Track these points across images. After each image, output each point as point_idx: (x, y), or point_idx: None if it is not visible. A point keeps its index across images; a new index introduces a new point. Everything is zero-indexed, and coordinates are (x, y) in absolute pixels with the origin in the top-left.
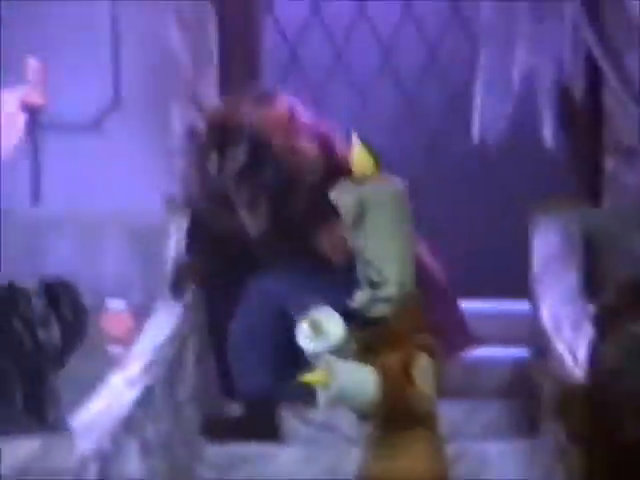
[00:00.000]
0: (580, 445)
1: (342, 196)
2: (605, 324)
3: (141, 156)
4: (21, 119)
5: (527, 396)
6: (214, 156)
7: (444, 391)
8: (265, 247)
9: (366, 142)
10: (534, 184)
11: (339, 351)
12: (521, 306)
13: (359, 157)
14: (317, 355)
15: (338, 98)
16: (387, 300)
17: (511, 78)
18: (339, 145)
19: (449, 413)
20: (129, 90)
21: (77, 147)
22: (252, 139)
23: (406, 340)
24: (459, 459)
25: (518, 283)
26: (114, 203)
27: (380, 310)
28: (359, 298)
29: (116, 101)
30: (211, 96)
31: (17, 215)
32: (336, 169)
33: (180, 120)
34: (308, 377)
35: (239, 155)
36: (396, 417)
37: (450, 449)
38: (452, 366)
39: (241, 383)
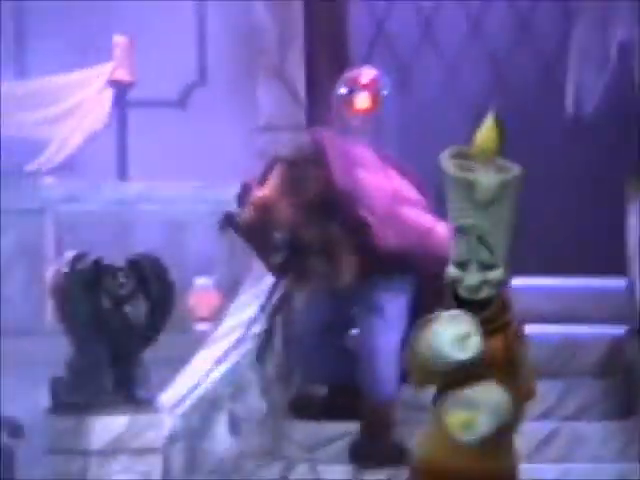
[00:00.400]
0: None
1: (482, 174)
2: None
3: (226, 132)
4: (108, 96)
5: (623, 375)
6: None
7: (539, 371)
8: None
9: (500, 121)
10: (628, 159)
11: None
12: (617, 283)
13: (487, 133)
14: (463, 363)
15: (426, 73)
16: (497, 283)
17: (607, 51)
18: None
19: (544, 393)
20: (215, 67)
21: (163, 123)
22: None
23: (510, 324)
24: (553, 438)
25: (614, 261)
26: (198, 179)
27: (487, 292)
28: (469, 280)
29: (202, 77)
30: (297, 73)
31: (105, 190)
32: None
33: (265, 96)
34: (453, 424)
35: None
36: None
37: (544, 428)
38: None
39: (325, 369)
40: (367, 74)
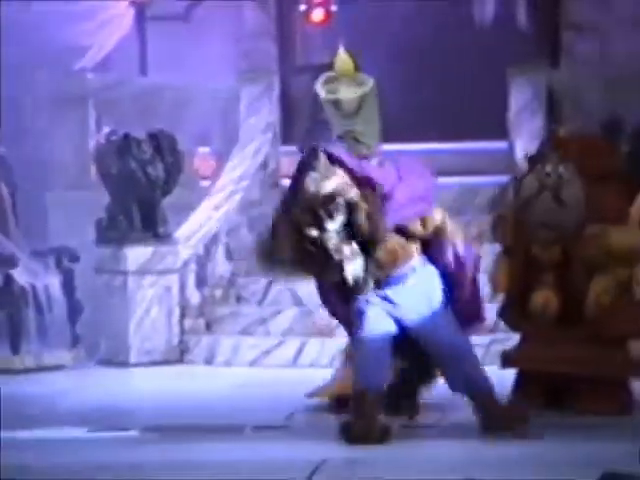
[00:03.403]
0: None
1: (343, 93)
2: (530, 165)
3: (219, 39)
4: (130, 14)
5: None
6: None
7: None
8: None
9: (349, 50)
10: (512, 52)
11: None
12: (501, 145)
13: (342, 59)
14: None
15: None
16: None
17: None
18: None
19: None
20: None
21: (172, 33)
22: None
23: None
24: None
25: (499, 127)
26: (200, 76)
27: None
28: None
29: None
30: None
31: (130, 84)
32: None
33: (249, 12)
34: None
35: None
36: None
37: None
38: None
39: None
40: None
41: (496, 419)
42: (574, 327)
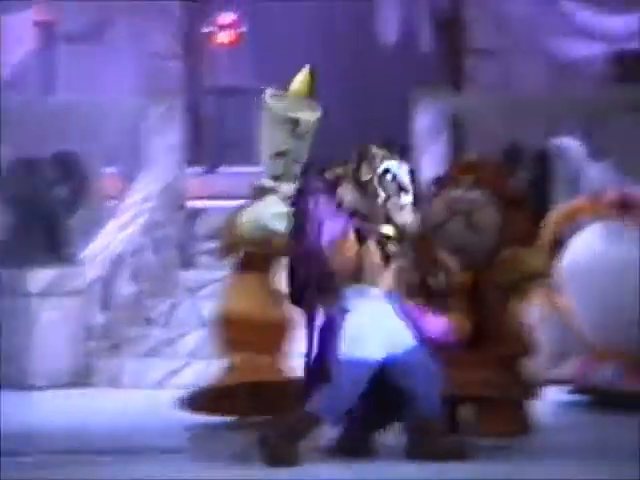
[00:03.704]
0: None
1: (304, 113)
2: (436, 189)
3: (126, 57)
4: (33, 35)
5: None
6: None
7: None
8: None
9: (313, 72)
10: (416, 76)
11: None
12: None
13: (303, 80)
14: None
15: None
16: None
17: None
18: None
19: None
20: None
21: (81, 53)
22: None
23: None
24: None
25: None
26: (107, 96)
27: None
28: (285, 189)
29: (110, 18)
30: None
31: (37, 103)
32: None
33: (154, 31)
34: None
35: None
36: None
37: None
38: None
39: None
40: (227, 17)
41: (433, 448)
42: (480, 350)
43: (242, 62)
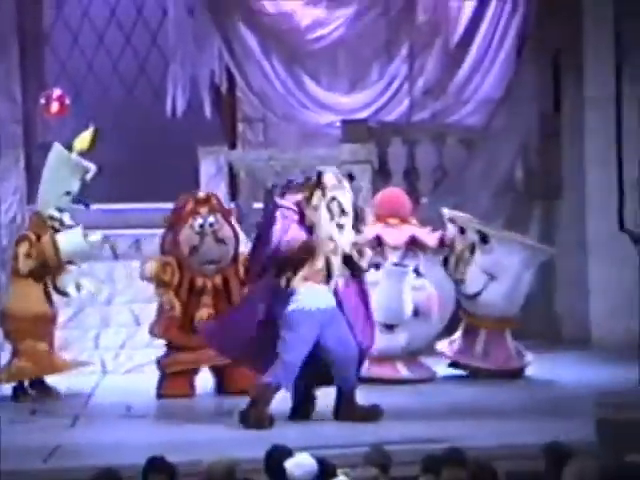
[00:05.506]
0: None
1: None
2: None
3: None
4: None
5: None
6: None
7: None
8: None
9: (96, 131)
10: (202, 136)
11: None
12: None
13: (86, 138)
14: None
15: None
16: None
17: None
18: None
19: None
20: None
21: None
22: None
23: None
24: None
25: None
26: None
27: None
28: None
29: None
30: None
31: None
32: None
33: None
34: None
35: None
36: None
37: None
38: None
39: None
40: (57, 91)
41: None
42: None
43: (67, 125)
